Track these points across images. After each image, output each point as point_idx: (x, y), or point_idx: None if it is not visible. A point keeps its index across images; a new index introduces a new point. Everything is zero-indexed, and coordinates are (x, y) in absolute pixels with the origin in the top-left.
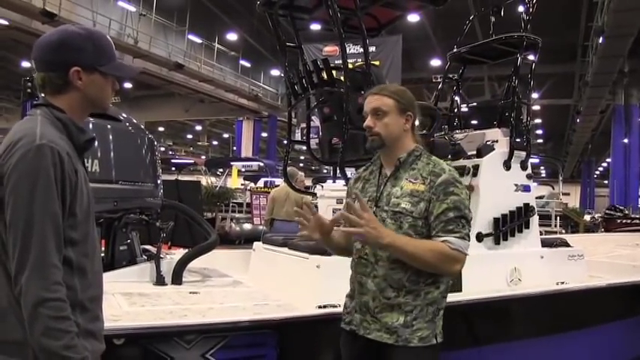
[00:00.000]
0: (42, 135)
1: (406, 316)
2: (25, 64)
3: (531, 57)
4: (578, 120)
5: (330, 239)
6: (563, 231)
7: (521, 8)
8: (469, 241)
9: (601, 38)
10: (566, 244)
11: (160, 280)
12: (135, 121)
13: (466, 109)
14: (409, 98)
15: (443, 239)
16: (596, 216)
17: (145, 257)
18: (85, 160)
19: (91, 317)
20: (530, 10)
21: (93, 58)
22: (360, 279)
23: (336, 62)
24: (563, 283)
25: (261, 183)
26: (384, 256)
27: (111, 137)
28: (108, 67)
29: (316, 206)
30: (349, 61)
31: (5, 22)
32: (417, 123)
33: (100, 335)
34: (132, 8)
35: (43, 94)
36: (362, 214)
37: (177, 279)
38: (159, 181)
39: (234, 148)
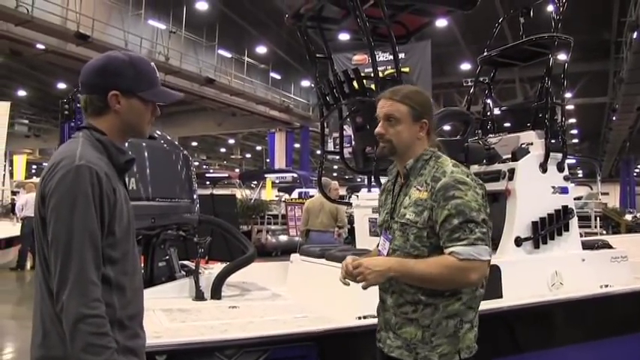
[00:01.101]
0: (81, 156)
1: (424, 331)
2: (61, 86)
3: (563, 57)
4: (614, 118)
5: None
6: (604, 232)
7: (550, 8)
8: (484, 244)
9: (635, 33)
10: (609, 246)
11: (199, 296)
12: (169, 137)
13: (499, 113)
14: (425, 103)
15: (450, 250)
16: (638, 215)
17: (184, 273)
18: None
19: (130, 335)
20: (561, 9)
21: (132, 83)
22: (382, 295)
23: (365, 71)
24: (607, 286)
25: (295, 194)
26: None
27: (146, 155)
28: (147, 93)
29: (352, 215)
30: (379, 69)
31: (42, 47)
32: (449, 127)
33: (140, 352)
34: (162, 26)
35: (85, 115)
36: (356, 269)
37: (216, 294)
38: (195, 197)
39: (268, 160)
